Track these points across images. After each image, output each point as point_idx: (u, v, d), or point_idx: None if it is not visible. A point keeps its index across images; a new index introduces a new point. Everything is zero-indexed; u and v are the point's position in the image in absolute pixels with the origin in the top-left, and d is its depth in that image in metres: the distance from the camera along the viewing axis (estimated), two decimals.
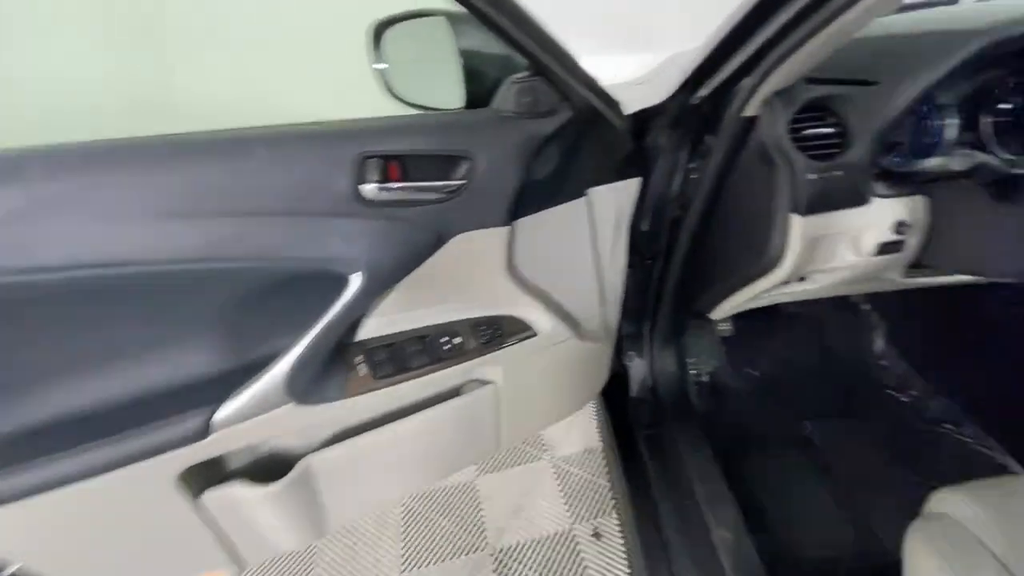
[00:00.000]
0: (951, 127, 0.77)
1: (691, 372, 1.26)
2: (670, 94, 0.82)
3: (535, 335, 0.88)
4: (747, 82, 0.71)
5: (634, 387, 1.17)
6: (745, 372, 1.35)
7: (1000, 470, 1.09)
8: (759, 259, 0.81)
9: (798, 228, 0.75)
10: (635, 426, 1.13)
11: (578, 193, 0.81)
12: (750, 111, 0.74)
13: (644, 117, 0.86)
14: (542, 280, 0.87)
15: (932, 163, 0.75)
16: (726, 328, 1.31)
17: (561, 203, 0.80)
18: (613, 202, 0.88)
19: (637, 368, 1.17)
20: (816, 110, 0.73)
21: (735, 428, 1.24)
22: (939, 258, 0.79)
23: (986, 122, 0.77)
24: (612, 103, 0.75)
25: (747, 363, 1.35)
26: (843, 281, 0.90)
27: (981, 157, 0.66)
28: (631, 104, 0.82)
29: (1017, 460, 1.08)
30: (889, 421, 1.25)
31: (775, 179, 0.74)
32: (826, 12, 0.56)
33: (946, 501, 0.68)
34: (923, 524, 0.68)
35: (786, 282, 0.86)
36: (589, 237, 0.88)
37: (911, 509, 0.72)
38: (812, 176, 0.71)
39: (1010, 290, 0.74)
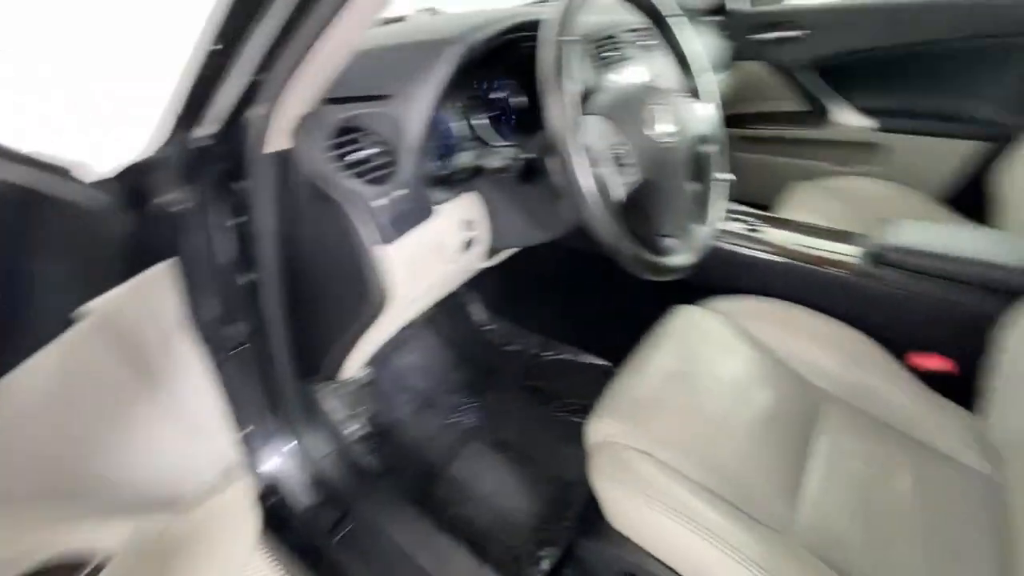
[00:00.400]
0: (460, 127, 0.85)
1: (349, 433, 1.10)
2: (165, 140, 0.59)
3: (103, 562, 0.52)
4: (256, 111, 0.56)
5: (296, 498, 0.92)
6: (399, 399, 1.29)
7: (593, 368, 1.44)
8: (365, 303, 0.71)
9: (390, 257, 0.68)
10: (319, 540, 0.90)
11: (61, 323, 0.49)
12: (275, 145, 0.60)
13: (138, 177, 0.59)
14: (72, 471, 0.51)
15: (462, 161, 0.81)
16: (365, 372, 1.21)
17: (36, 350, 0.46)
18: (139, 308, 0.59)
19: (289, 474, 0.93)
20: (352, 132, 0.66)
21: (420, 460, 1.18)
22: (500, 239, 0.89)
23: (480, 118, 0.89)
24: (56, 171, 0.46)
25: (397, 391, 1.30)
26: (446, 285, 0.92)
27: (505, 151, 0.74)
28: (101, 165, 0.54)
29: (593, 353, 1.45)
30: (514, 370, 1.46)
31: (343, 215, 0.64)
32: (309, 29, 0.47)
33: (594, 429, 0.79)
34: (592, 459, 0.77)
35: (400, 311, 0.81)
36: (129, 369, 0.57)
37: (574, 438, 0.79)
38: (381, 202, 0.64)
39: (551, 247, 0.90)
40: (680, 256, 0.72)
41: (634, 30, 1.04)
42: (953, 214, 1.31)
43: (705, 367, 0.87)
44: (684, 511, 0.66)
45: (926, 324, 0.87)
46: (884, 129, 1.45)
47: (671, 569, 0.66)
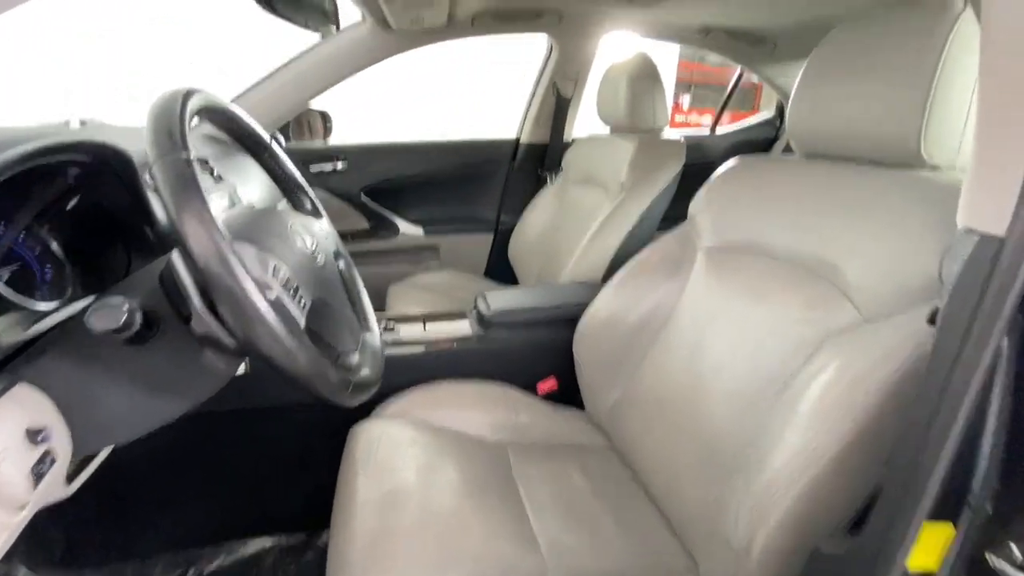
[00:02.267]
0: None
1: None
2: None
3: None
4: None
5: None
6: None
7: (266, 554, 1.11)
8: None
9: None
10: None
11: None
12: None
13: None
14: None
15: None
16: None
17: None
18: None
19: None
20: None
21: None
22: (97, 438, 0.59)
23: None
24: None
25: None
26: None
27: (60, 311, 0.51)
28: None
29: (266, 533, 1.13)
30: None
31: None
32: None
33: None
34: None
35: None
36: None
37: None
38: None
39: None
40: (366, 369, 0.69)
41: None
42: (493, 281, 1.81)
43: (407, 474, 0.85)
44: None
45: (533, 359, 1.15)
46: (430, 233, 1.86)
47: None
